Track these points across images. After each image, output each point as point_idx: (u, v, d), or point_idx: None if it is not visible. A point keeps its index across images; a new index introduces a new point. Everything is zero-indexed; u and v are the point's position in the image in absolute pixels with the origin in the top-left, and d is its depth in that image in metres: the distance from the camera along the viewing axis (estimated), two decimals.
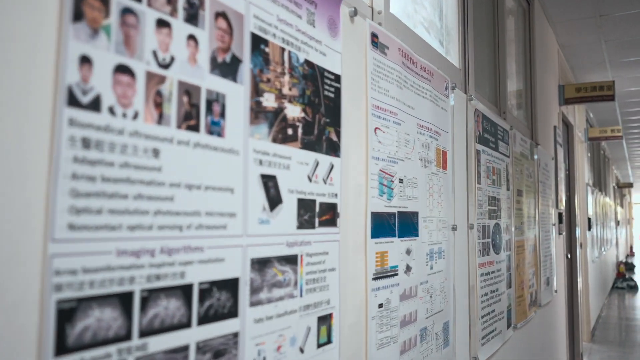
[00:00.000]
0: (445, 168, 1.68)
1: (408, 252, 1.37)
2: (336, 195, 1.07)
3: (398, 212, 1.32)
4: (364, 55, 1.21)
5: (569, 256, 4.52)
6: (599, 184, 8.50)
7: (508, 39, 2.98)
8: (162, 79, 0.69)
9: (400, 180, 1.35)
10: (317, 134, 1.02)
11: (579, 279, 4.97)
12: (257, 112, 0.86)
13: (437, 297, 1.56)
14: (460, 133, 1.86)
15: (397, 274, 1.30)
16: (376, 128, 1.24)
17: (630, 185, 15.47)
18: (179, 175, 0.70)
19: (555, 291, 3.61)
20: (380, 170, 1.25)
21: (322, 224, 1.02)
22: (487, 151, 2.12)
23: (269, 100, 0.89)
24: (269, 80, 0.89)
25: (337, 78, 1.10)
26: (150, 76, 0.67)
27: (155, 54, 0.68)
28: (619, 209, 14.76)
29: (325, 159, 1.04)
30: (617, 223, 13.37)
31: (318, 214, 1.01)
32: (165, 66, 0.69)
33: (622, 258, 15.17)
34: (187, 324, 0.70)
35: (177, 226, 0.69)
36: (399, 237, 1.32)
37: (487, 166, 2.11)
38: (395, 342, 1.27)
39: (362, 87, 1.21)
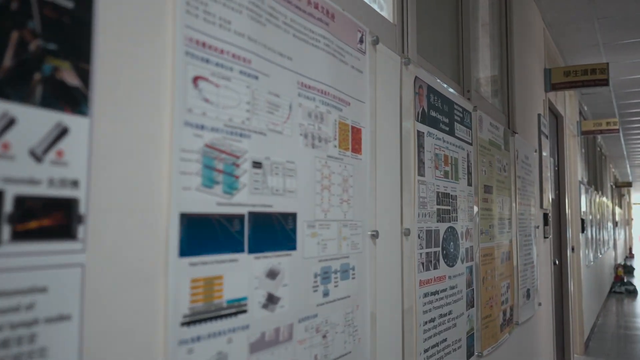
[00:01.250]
0: (359, 152, 1.20)
1: (272, 274, 0.90)
2: (76, 183, 0.60)
3: (250, 213, 0.85)
4: None
5: (557, 262, 4.04)
6: (595, 182, 8.01)
7: (480, 10, 2.51)
8: None
9: (257, 165, 0.87)
10: (11, 68, 0.54)
11: (571, 287, 4.50)
12: None
13: (339, 335, 1.09)
14: (389, 106, 1.38)
15: (244, 311, 0.83)
16: (198, 77, 0.77)
17: (629, 184, 14.97)
18: None
19: (539, 304, 3.13)
20: (206, 145, 0.77)
21: (27, 235, 0.55)
22: (435, 134, 1.64)
23: None
24: None
25: None
26: None
27: None
28: (617, 209, 14.27)
29: (37, 116, 0.56)
30: (616, 224, 12.87)
31: (11, 218, 0.53)
32: None
33: (620, 260, 14.67)
34: None
35: None
36: (250, 252, 0.85)
37: (435, 153, 1.63)
38: None
39: (163, 5, 0.73)
